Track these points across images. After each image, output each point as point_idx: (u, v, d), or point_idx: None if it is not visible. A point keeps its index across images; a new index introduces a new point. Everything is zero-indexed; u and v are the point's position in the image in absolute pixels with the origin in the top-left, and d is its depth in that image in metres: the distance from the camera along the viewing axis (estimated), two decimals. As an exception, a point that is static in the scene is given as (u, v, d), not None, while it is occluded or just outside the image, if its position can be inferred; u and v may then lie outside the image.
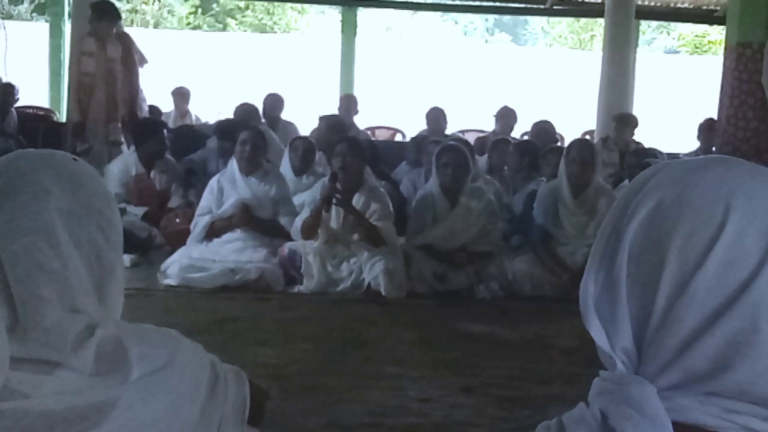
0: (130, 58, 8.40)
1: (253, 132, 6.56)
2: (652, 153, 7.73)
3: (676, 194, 1.10)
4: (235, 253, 6.05)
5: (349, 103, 9.87)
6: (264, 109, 9.24)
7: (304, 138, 7.32)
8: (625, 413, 1.06)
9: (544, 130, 9.10)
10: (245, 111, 8.51)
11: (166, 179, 7.31)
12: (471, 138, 9.55)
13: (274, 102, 9.45)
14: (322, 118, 8.34)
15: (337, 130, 7.89)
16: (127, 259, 6.20)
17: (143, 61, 8.59)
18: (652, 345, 1.09)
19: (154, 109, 8.88)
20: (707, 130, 8.78)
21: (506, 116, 9.69)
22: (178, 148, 8.29)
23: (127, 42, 8.47)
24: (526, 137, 9.94)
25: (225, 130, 7.71)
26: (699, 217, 1.07)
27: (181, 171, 7.64)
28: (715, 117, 8.12)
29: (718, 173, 1.11)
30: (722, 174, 1.11)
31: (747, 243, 1.05)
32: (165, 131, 7.61)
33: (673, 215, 1.09)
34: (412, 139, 9.00)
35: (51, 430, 1.31)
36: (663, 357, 1.08)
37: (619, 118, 9.40)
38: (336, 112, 9.66)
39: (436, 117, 9.40)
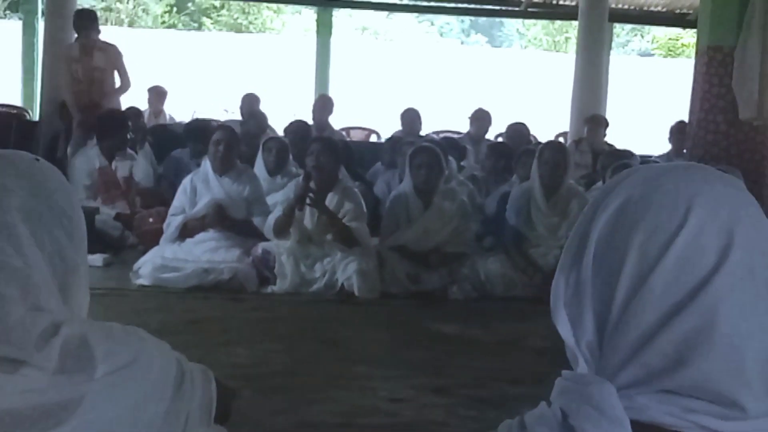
0: (120, 70, 8.43)
1: (227, 131, 6.54)
2: (626, 155, 7.79)
3: (642, 194, 1.13)
4: (208, 253, 6.03)
5: (324, 103, 9.87)
6: (240, 109, 9.29)
7: (278, 138, 7.32)
8: (584, 412, 1.08)
9: (518, 131, 9.17)
10: (297, 128, 8.40)
11: (128, 166, 7.35)
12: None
13: (251, 102, 9.49)
14: (287, 127, 8.35)
15: (303, 134, 7.94)
16: (99, 258, 6.18)
17: (127, 85, 8.61)
18: (611, 340, 1.11)
19: (134, 110, 8.86)
20: (678, 132, 8.86)
21: (481, 119, 9.73)
22: (157, 148, 8.31)
23: (114, 54, 8.47)
24: (500, 138, 10.01)
25: (196, 131, 7.70)
26: (661, 216, 1.10)
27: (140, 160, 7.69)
28: (687, 120, 8.18)
29: (685, 177, 1.14)
30: (688, 177, 1.14)
31: (704, 242, 1.08)
32: (129, 125, 7.62)
33: (637, 213, 1.12)
34: (387, 140, 9.01)
35: (16, 429, 1.31)
36: (622, 353, 1.10)
37: (591, 120, 9.47)
38: (311, 112, 9.66)
39: (411, 118, 9.43)
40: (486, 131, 9.78)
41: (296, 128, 8.20)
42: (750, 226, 1.10)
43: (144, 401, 1.41)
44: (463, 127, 10.22)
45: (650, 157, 8.44)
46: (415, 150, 6.31)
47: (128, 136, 7.50)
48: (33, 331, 1.33)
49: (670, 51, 28.62)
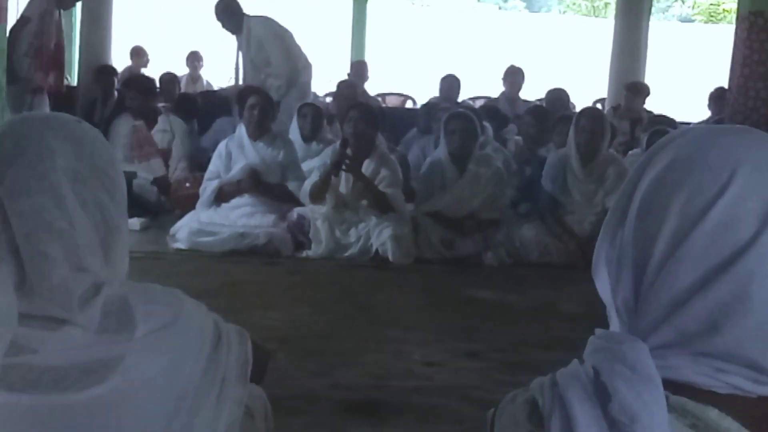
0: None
1: (262, 97, 6.56)
2: (664, 121, 7.72)
3: (688, 155, 1.14)
4: (244, 217, 6.09)
5: (360, 69, 9.85)
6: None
7: (312, 104, 7.32)
8: (617, 370, 1.08)
9: (558, 97, 9.17)
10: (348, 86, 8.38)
11: (168, 138, 7.40)
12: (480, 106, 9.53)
13: None
14: (339, 85, 8.36)
15: (350, 96, 7.95)
16: (137, 222, 6.26)
17: None
18: (646, 300, 1.12)
19: (168, 77, 8.91)
20: (718, 98, 8.75)
21: (513, 74, 9.71)
22: (204, 115, 8.33)
23: None
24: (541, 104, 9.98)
25: (245, 96, 7.72)
26: (704, 179, 1.10)
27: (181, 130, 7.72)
28: (726, 86, 8.08)
29: (733, 140, 1.14)
30: (736, 142, 1.14)
31: (747, 207, 1.08)
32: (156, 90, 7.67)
33: (681, 174, 1.12)
34: (422, 106, 8.99)
35: (58, 385, 1.35)
36: (655, 313, 1.11)
37: (630, 87, 9.37)
38: (346, 77, 9.65)
39: (450, 84, 9.37)
40: (519, 88, 9.73)
41: (343, 91, 8.19)
42: None
43: (182, 361, 1.45)
44: (498, 91, 10.17)
45: (689, 124, 8.34)
46: (450, 116, 6.29)
47: (154, 102, 7.53)
48: (75, 291, 1.37)
49: (711, 16, 28.19)
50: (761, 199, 1.08)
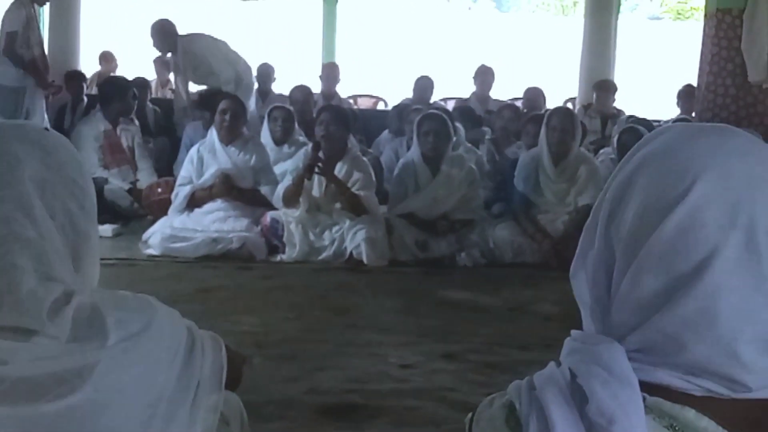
0: None
1: (233, 101, 6.54)
2: (643, 122, 7.78)
3: (657, 156, 1.12)
4: (217, 222, 6.06)
5: (331, 71, 9.83)
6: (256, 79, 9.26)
7: (283, 107, 7.31)
8: (593, 372, 1.08)
9: (535, 96, 9.34)
10: (302, 92, 8.40)
11: (131, 135, 7.37)
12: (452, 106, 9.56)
13: (266, 72, 9.43)
14: (291, 92, 8.36)
15: (307, 100, 8.01)
16: (109, 228, 6.22)
17: None
18: (616, 302, 1.12)
19: (140, 81, 8.86)
20: (686, 96, 8.82)
21: (484, 73, 9.78)
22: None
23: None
24: (517, 103, 10.06)
25: (206, 100, 7.70)
26: (666, 181, 1.09)
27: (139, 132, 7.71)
28: (695, 83, 8.15)
29: (704, 144, 1.11)
30: (707, 145, 1.11)
31: (707, 216, 1.05)
32: (133, 92, 7.62)
33: (646, 176, 1.11)
34: (394, 107, 8.99)
35: (30, 395, 1.33)
36: (626, 318, 1.11)
37: (599, 86, 9.42)
38: (318, 80, 9.63)
39: (424, 85, 9.37)
40: (490, 87, 9.79)
41: (300, 94, 8.21)
42: (760, 204, 1.06)
43: (155, 368, 1.43)
44: (469, 91, 10.19)
45: (659, 121, 8.40)
46: (423, 117, 6.30)
47: (133, 103, 7.49)
48: (45, 301, 1.35)
49: (679, 14, 28.43)
50: (723, 209, 1.06)
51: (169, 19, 8.25)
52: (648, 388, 1.09)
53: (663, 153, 1.12)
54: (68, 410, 1.35)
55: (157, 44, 8.16)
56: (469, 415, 1.24)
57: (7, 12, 7.77)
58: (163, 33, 8.09)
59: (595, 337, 1.14)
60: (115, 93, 7.42)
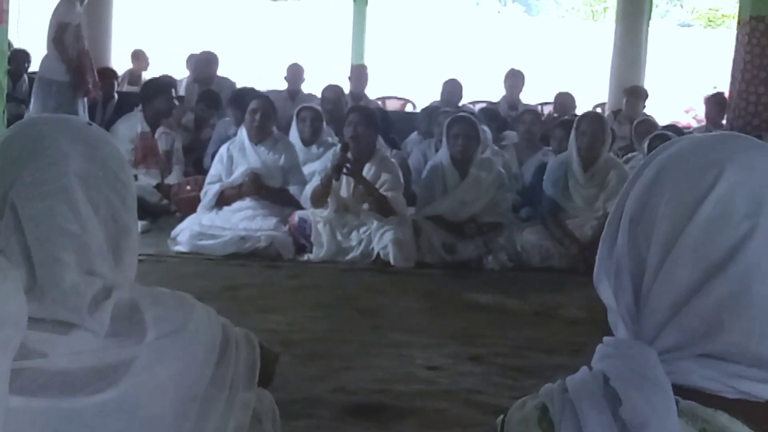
0: None
1: (263, 100, 6.56)
2: (660, 125, 7.75)
3: (675, 161, 1.17)
4: (245, 221, 6.08)
5: (360, 73, 9.83)
6: (286, 80, 9.29)
7: (312, 108, 7.32)
8: (626, 376, 1.10)
9: (565, 101, 9.42)
10: (333, 92, 8.43)
11: (170, 140, 7.38)
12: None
13: (296, 73, 9.44)
14: (325, 89, 8.37)
15: (338, 100, 8.03)
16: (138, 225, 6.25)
17: None
18: (647, 303, 1.14)
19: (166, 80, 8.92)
20: (713, 103, 8.76)
21: (514, 77, 9.80)
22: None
23: None
24: (547, 108, 10.07)
25: (239, 98, 7.72)
26: (691, 179, 1.13)
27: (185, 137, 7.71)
28: (727, 91, 8.10)
29: (719, 143, 1.17)
30: (721, 144, 1.17)
31: (736, 203, 1.10)
32: (171, 91, 7.64)
33: (669, 180, 1.15)
34: (423, 109, 8.99)
35: (68, 389, 1.35)
36: (658, 316, 1.13)
37: (630, 91, 9.39)
38: (347, 81, 9.64)
39: (452, 88, 9.37)
40: (519, 91, 9.79)
41: (331, 94, 8.23)
42: None
43: (191, 365, 1.45)
44: (499, 95, 10.19)
45: (688, 128, 8.36)
46: (452, 120, 6.29)
47: (173, 102, 7.51)
48: (86, 296, 1.37)
49: (710, 21, 28.24)
50: (750, 195, 1.10)
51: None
52: (681, 391, 1.10)
53: (683, 155, 1.17)
54: (105, 405, 1.36)
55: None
56: (501, 417, 1.25)
57: (61, 3, 7.89)
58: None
59: (627, 342, 1.16)
60: (155, 94, 7.47)
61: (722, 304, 1.09)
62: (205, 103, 8.09)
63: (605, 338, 1.19)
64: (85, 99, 8.12)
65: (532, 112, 7.99)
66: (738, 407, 1.09)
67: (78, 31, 7.94)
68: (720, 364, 1.10)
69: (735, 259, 1.09)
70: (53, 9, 7.93)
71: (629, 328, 1.17)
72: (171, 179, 7.28)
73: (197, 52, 10.85)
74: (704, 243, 1.10)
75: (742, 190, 1.11)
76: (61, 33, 7.79)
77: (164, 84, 7.80)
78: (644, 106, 9.39)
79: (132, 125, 7.40)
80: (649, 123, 8.15)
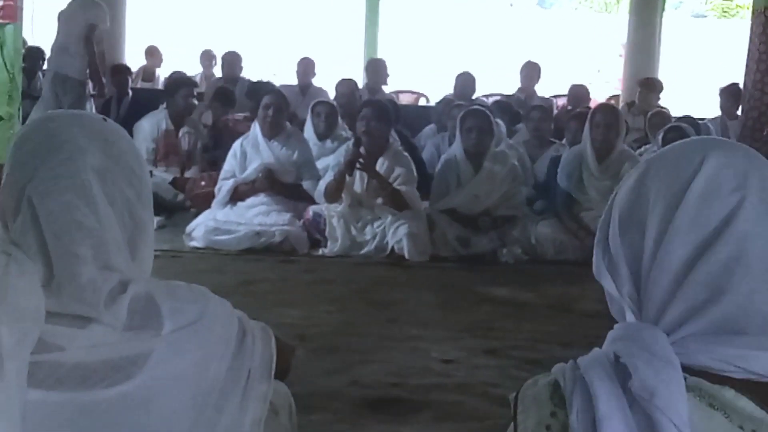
0: None
1: (276, 96, 6.57)
2: (689, 120, 7.71)
3: (659, 159, 1.28)
4: (260, 216, 6.09)
5: (377, 67, 9.80)
6: (296, 74, 9.29)
7: (327, 102, 7.33)
8: (636, 353, 1.15)
9: (580, 93, 9.43)
10: (347, 86, 8.45)
11: (193, 140, 7.39)
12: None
13: (307, 67, 9.44)
14: (339, 83, 8.37)
15: (352, 94, 8.04)
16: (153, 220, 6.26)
17: None
18: (647, 287, 1.21)
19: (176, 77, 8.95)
20: (728, 94, 8.70)
21: (529, 69, 9.83)
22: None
23: None
24: (561, 100, 10.04)
25: (256, 92, 7.73)
26: (678, 166, 1.23)
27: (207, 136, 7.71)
28: (742, 82, 8.05)
29: (699, 139, 1.32)
30: (702, 139, 1.32)
31: (722, 180, 1.20)
32: (194, 88, 7.65)
33: (655, 172, 1.25)
34: (437, 103, 8.98)
35: (85, 382, 1.36)
36: (660, 294, 1.19)
37: (643, 83, 9.34)
38: (364, 75, 9.63)
39: (465, 82, 9.35)
40: (535, 83, 9.79)
41: (345, 88, 8.23)
42: (763, 170, 1.22)
43: (208, 358, 1.45)
44: (512, 88, 10.17)
45: (702, 119, 8.32)
46: (466, 113, 6.28)
47: (192, 99, 7.51)
48: (103, 290, 1.38)
49: (725, 12, 28.08)
50: (735, 172, 1.20)
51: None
52: (688, 371, 1.15)
53: (665, 154, 1.29)
54: (122, 397, 1.37)
55: None
56: (513, 394, 1.30)
57: (92, 4, 7.99)
58: None
59: (637, 324, 1.22)
60: (177, 89, 7.50)
61: (722, 269, 1.16)
62: (220, 101, 8.09)
63: (616, 325, 1.24)
64: (92, 99, 8.18)
65: (540, 108, 7.93)
66: (743, 385, 1.13)
67: (102, 35, 8.06)
68: (728, 340, 1.14)
69: (728, 227, 1.17)
70: (82, 7, 8.02)
71: (636, 314, 1.23)
72: (189, 174, 7.31)
73: (208, 48, 10.91)
74: (697, 218, 1.18)
75: (727, 169, 1.20)
76: (90, 33, 7.90)
77: (187, 80, 7.82)
78: (658, 98, 9.35)
79: (157, 123, 7.42)
80: (663, 115, 8.11)
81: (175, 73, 8.60)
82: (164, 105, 7.51)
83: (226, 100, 8.17)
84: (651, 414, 1.11)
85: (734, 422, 1.12)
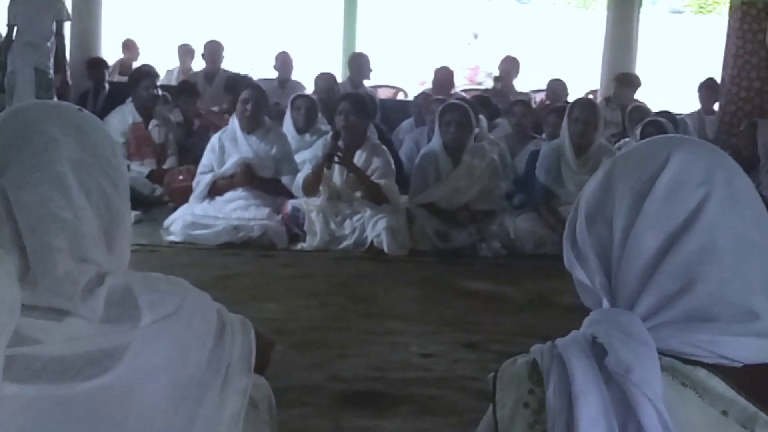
0: None
1: (255, 90, 6.54)
2: (651, 111, 7.74)
3: (625, 156, 1.31)
4: (238, 210, 6.07)
5: (360, 62, 9.76)
6: (275, 68, 9.27)
7: (307, 96, 7.31)
8: (612, 334, 1.18)
9: (558, 88, 9.47)
10: (326, 80, 8.42)
11: (164, 132, 7.34)
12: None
13: (285, 61, 9.41)
14: (317, 78, 8.36)
15: (331, 88, 8.04)
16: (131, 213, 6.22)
17: None
18: (618, 276, 1.24)
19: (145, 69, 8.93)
20: (707, 89, 8.75)
21: (507, 64, 9.88)
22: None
23: None
24: (539, 95, 10.06)
25: (234, 85, 7.70)
26: (645, 161, 1.26)
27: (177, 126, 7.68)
28: (719, 77, 8.09)
29: (664, 140, 1.32)
30: (667, 139, 1.32)
31: (689, 174, 1.23)
32: (156, 80, 7.58)
33: (622, 170, 1.28)
34: (415, 97, 8.97)
35: (62, 375, 1.34)
36: (632, 284, 1.22)
37: (619, 79, 9.33)
38: (347, 69, 9.62)
39: (443, 76, 9.35)
40: (514, 77, 9.84)
41: (324, 82, 8.21)
42: (728, 166, 1.26)
43: (187, 350, 1.44)
44: (491, 82, 10.19)
45: (680, 114, 8.35)
46: (445, 107, 6.28)
47: (155, 90, 7.44)
48: (79, 282, 1.36)
49: (701, 8, 28.26)
50: (700, 167, 1.23)
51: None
52: (662, 356, 1.18)
53: (631, 152, 1.32)
54: (100, 390, 1.36)
55: None
56: (492, 373, 1.34)
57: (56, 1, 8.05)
58: None
59: (613, 309, 1.25)
60: (137, 80, 7.45)
61: (692, 259, 1.18)
62: (187, 94, 8.05)
63: (593, 311, 1.29)
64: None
65: (522, 103, 7.95)
66: (715, 367, 1.17)
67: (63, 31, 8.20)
68: (700, 327, 1.17)
69: (697, 219, 1.19)
70: (48, 3, 8.05)
71: (610, 303, 1.26)
72: (167, 166, 7.28)
73: (185, 42, 10.83)
74: (665, 209, 1.20)
75: (693, 165, 1.23)
76: (60, 29, 8.04)
77: (147, 71, 7.77)
78: (635, 93, 9.36)
79: (124, 117, 7.35)
80: (642, 110, 8.14)
81: (141, 66, 8.55)
82: (130, 99, 7.45)
83: (191, 92, 8.15)
84: (626, 390, 1.13)
85: (706, 401, 1.16)
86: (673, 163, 1.23)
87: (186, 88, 8.21)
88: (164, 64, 10.17)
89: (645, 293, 1.20)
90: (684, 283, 1.18)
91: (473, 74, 11.85)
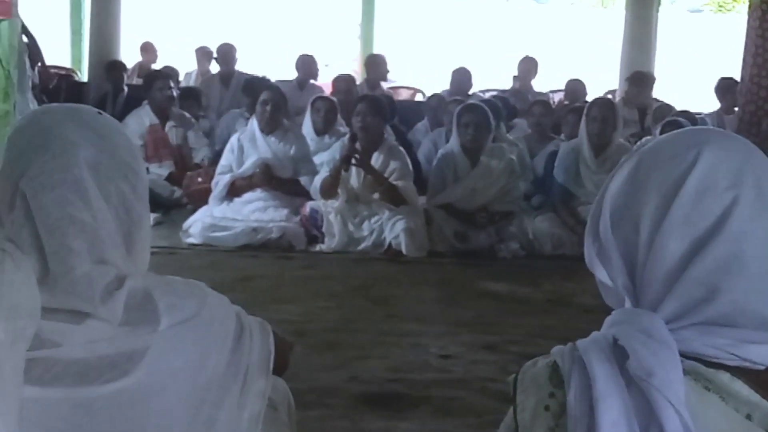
0: None
1: (274, 91, 6.55)
2: (675, 110, 7.69)
3: (652, 152, 1.26)
4: (256, 212, 6.08)
5: (377, 62, 9.75)
6: (296, 70, 9.28)
7: (327, 98, 7.31)
8: (634, 335, 1.16)
9: (576, 88, 9.45)
10: (345, 82, 8.44)
11: (181, 133, 7.36)
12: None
13: (308, 64, 9.41)
14: (336, 79, 8.36)
15: (349, 90, 8.04)
16: (150, 217, 6.24)
17: None
18: (642, 279, 1.21)
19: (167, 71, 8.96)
20: (724, 89, 8.67)
21: (525, 63, 9.86)
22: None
23: None
24: (557, 96, 10.03)
25: (252, 87, 7.71)
26: (673, 160, 1.22)
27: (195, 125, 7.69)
28: (738, 76, 8.03)
29: (693, 131, 1.29)
30: (696, 131, 1.29)
31: (717, 176, 1.19)
32: (169, 81, 7.59)
33: (649, 165, 1.24)
34: (429, 98, 8.95)
35: (82, 378, 1.34)
36: (655, 288, 1.20)
37: (630, 78, 9.24)
38: (363, 70, 9.62)
39: (461, 77, 9.33)
40: (532, 78, 9.81)
41: (343, 84, 8.22)
42: (759, 166, 1.21)
43: (206, 353, 1.44)
44: (508, 83, 10.16)
45: (699, 114, 8.30)
46: (463, 108, 6.27)
47: (170, 92, 7.46)
48: (98, 285, 1.36)
49: (721, 7, 28.09)
50: (730, 169, 1.19)
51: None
52: (683, 357, 1.16)
53: (660, 146, 1.26)
54: (119, 393, 1.36)
55: None
56: (513, 375, 1.31)
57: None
58: None
59: (635, 310, 1.23)
60: (152, 81, 7.48)
61: (718, 267, 1.15)
62: (189, 101, 8.06)
63: (614, 311, 1.26)
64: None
65: (541, 103, 7.92)
66: (738, 371, 1.15)
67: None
68: (722, 331, 1.15)
69: (724, 226, 1.16)
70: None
71: (633, 304, 1.24)
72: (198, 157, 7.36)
73: (203, 45, 10.85)
74: (692, 214, 1.17)
75: (722, 166, 1.19)
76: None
77: (161, 73, 7.79)
78: (650, 92, 9.29)
79: (140, 119, 7.38)
80: (666, 109, 8.10)
81: (160, 68, 8.57)
82: (146, 102, 7.47)
83: (195, 97, 8.18)
84: (648, 394, 1.12)
85: (729, 405, 1.14)
86: (702, 164, 1.19)
87: (189, 95, 8.22)
88: (183, 66, 10.19)
89: (669, 298, 1.18)
90: (708, 291, 1.16)
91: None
